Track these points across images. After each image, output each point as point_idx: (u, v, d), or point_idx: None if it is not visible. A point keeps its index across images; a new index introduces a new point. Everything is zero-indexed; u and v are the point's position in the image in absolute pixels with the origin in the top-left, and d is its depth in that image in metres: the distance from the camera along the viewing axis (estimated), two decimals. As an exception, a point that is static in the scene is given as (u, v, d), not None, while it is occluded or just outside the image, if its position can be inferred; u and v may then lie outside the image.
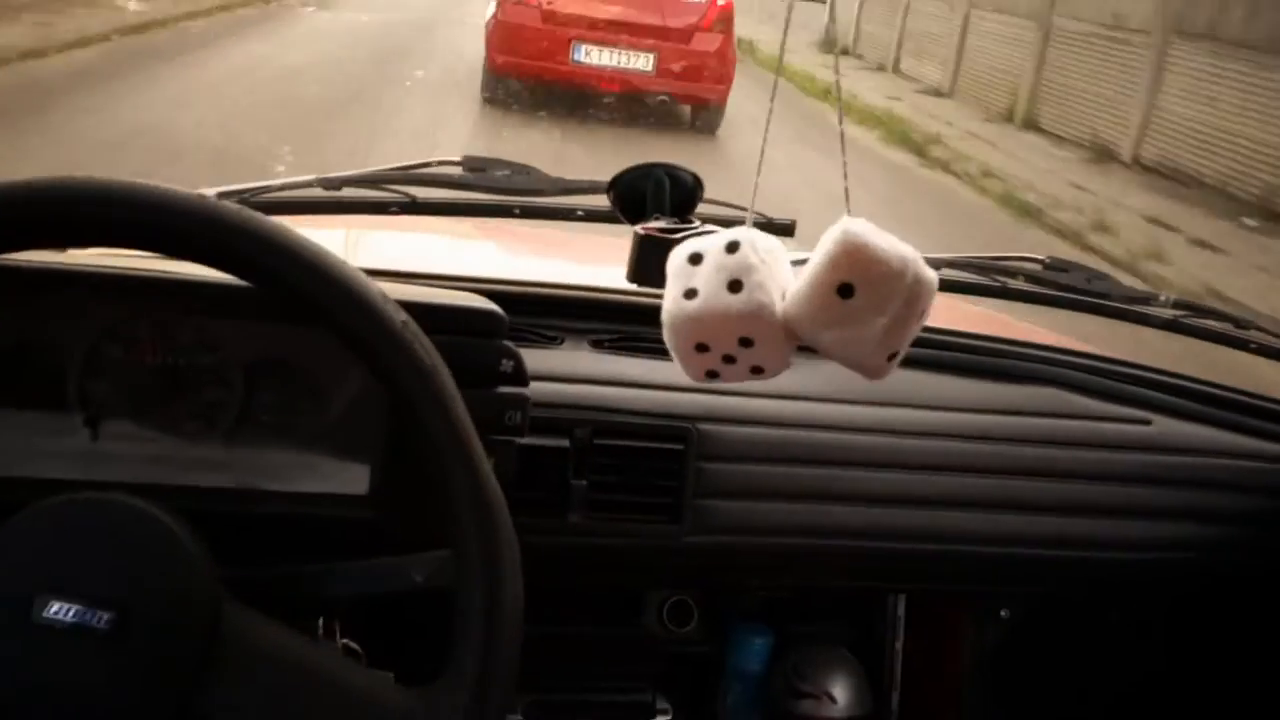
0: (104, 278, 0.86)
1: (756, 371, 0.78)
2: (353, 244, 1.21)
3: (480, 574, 0.70)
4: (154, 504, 0.68)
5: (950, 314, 1.37)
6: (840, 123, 0.79)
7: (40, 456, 0.84)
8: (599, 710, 1.28)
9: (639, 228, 0.94)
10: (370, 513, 0.87)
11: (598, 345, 1.13)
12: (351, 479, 0.88)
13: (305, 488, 0.88)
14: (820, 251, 0.71)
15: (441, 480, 0.70)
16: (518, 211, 1.09)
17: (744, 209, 1.18)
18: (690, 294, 0.74)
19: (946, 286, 1.22)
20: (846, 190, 0.77)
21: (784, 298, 0.74)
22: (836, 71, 0.85)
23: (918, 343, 1.22)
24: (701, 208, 1.07)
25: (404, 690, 0.70)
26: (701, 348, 0.77)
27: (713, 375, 0.79)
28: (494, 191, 1.08)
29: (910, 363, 1.21)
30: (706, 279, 0.73)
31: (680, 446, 1.08)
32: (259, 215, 0.67)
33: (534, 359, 1.06)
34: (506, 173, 1.08)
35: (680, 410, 1.09)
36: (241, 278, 0.68)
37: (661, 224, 0.95)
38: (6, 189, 0.64)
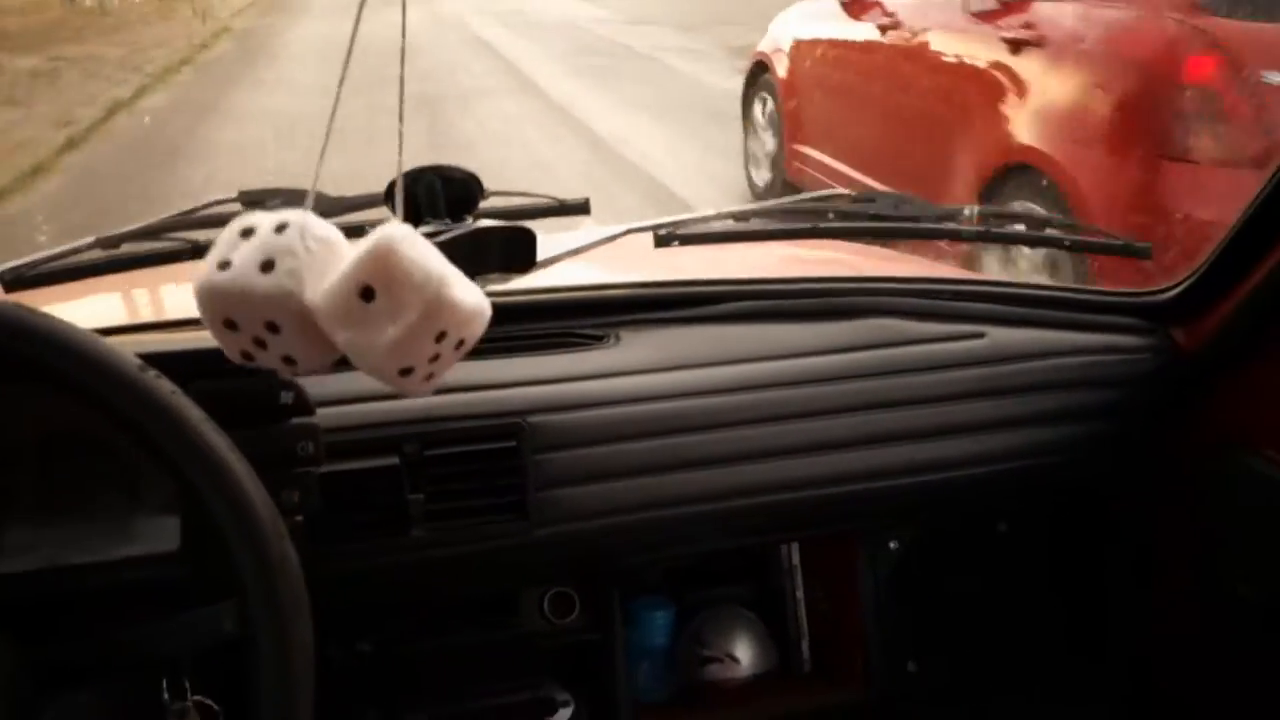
0: None
1: (289, 362, 0.76)
2: (131, 300, 1.19)
3: (266, 618, 0.69)
4: None
5: (785, 262, 1.39)
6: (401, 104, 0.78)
7: None
8: (499, 713, 1.27)
9: None
10: (184, 568, 0.85)
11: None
12: (162, 536, 0.87)
13: (117, 554, 0.86)
14: (356, 250, 0.71)
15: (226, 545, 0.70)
16: None
17: (537, 195, 1.19)
18: (224, 265, 0.72)
19: (759, 236, 1.23)
20: (399, 191, 0.77)
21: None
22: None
23: (737, 295, 1.24)
24: (494, 200, 1.07)
25: None
26: (230, 324, 0.75)
27: (247, 357, 0.76)
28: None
29: (735, 317, 1.22)
30: (243, 254, 0.72)
31: (513, 443, 1.07)
32: (76, 330, 0.68)
33: (352, 381, 1.06)
34: (280, 200, 1.06)
35: (509, 407, 1.08)
36: (56, 386, 0.69)
37: (430, 228, 0.94)
38: None
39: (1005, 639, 1.41)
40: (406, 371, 0.74)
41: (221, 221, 1.12)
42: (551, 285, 1.21)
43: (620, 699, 1.30)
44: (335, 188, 1.08)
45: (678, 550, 1.27)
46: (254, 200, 1.07)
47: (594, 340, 1.19)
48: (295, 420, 0.86)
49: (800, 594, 1.45)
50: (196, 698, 0.93)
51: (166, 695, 0.91)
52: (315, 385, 0.98)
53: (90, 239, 1.05)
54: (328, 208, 1.08)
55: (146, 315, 1.02)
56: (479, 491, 1.06)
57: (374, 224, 1.17)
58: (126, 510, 0.88)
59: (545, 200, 1.19)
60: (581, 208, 1.12)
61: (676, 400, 1.13)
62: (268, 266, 0.71)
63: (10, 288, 1.03)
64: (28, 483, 0.86)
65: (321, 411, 0.93)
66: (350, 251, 0.72)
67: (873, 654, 1.37)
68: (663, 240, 1.17)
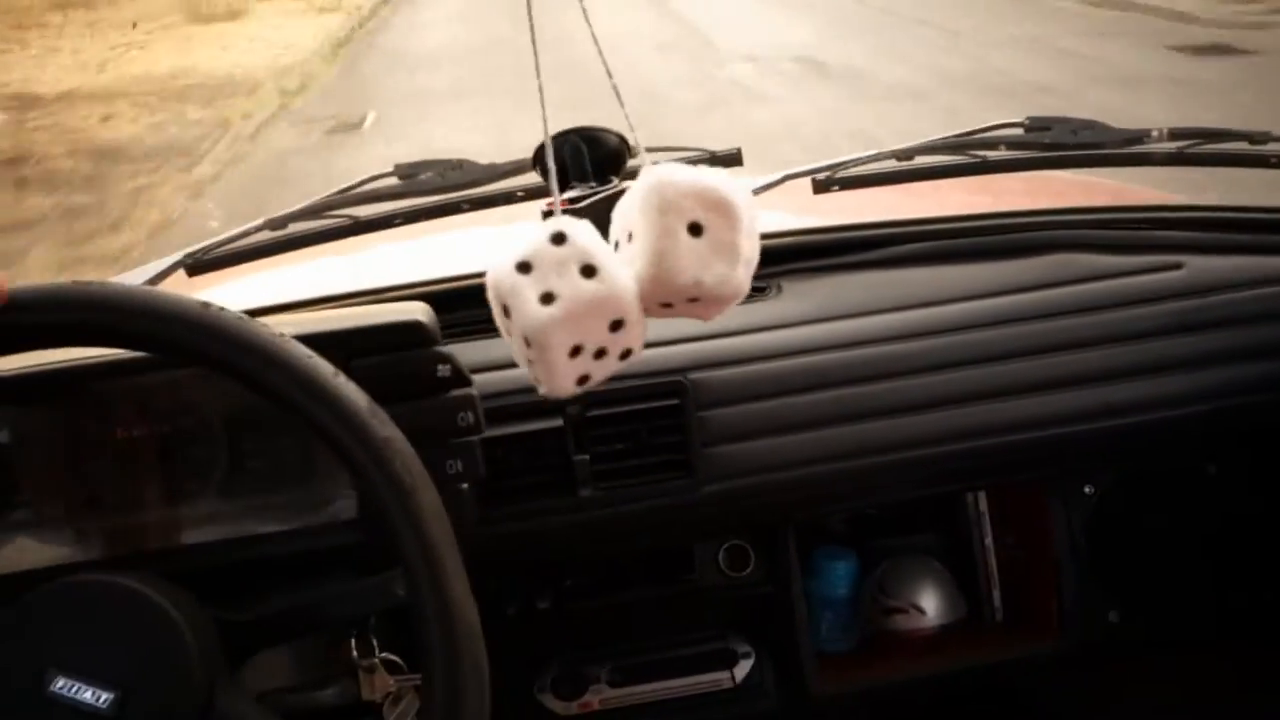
0: (77, 370, 0.91)
1: (625, 355, 0.75)
2: (301, 275, 1.25)
3: (426, 588, 0.71)
4: (153, 581, 0.73)
5: (954, 199, 1.32)
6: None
7: (50, 544, 0.89)
8: (683, 664, 1.29)
9: (544, 204, 0.93)
10: (361, 535, 0.89)
11: None
12: (341, 506, 0.91)
13: (299, 523, 0.91)
14: (646, 207, 0.69)
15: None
16: (466, 206, 1.10)
17: (688, 149, 1.17)
18: (548, 298, 0.70)
19: (924, 174, 1.17)
20: (635, 137, 0.76)
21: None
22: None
23: (905, 238, 1.19)
24: (643, 158, 1.05)
25: None
26: (575, 351, 0.73)
27: (584, 380, 0.75)
28: (431, 193, 1.09)
29: (904, 261, 1.17)
30: (558, 277, 0.69)
31: (676, 401, 1.07)
32: (255, 326, 0.71)
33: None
34: (434, 173, 1.08)
35: (670, 364, 1.08)
36: (240, 383, 0.72)
37: (575, 193, 0.94)
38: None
39: (1215, 588, 1.32)
40: (751, 273, 0.76)
41: (378, 196, 1.16)
42: None
43: (802, 649, 1.29)
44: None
45: (851, 504, 1.24)
46: (408, 174, 1.09)
47: (755, 293, 1.17)
48: (454, 392, 0.88)
49: (989, 542, 1.39)
50: (383, 655, 0.98)
51: (355, 653, 0.97)
52: (478, 352, 1.01)
53: (260, 221, 1.10)
54: (479, 175, 1.10)
55: (313, 291, 1.07)
56: (643, 450, 1.07)
57: (525, 190, 1.18)
58: (308, 481, 0.93)
59: (697, 153, 1.16)
60: (734, 159, 1.09)
61: (844, 350, 1.10)
62: (589, 272, 0.70)
63: (191, 272, 1.10)
64: (218, 458, 0.92)
65: (485, 377, 0.95)
66: (622, 220, 0.73)
67: (1069, 603, 1.30)
68: (821, 185, 1.13)
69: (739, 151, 1.11)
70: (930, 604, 1.37)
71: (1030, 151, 1.16)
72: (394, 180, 1.11)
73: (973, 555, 1.39)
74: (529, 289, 0.70)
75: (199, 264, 1.08)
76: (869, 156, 1.17)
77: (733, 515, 1.13)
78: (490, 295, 0.72)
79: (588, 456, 1.06)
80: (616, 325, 0.73)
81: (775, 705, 1.31)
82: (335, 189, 1.12)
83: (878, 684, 1.33)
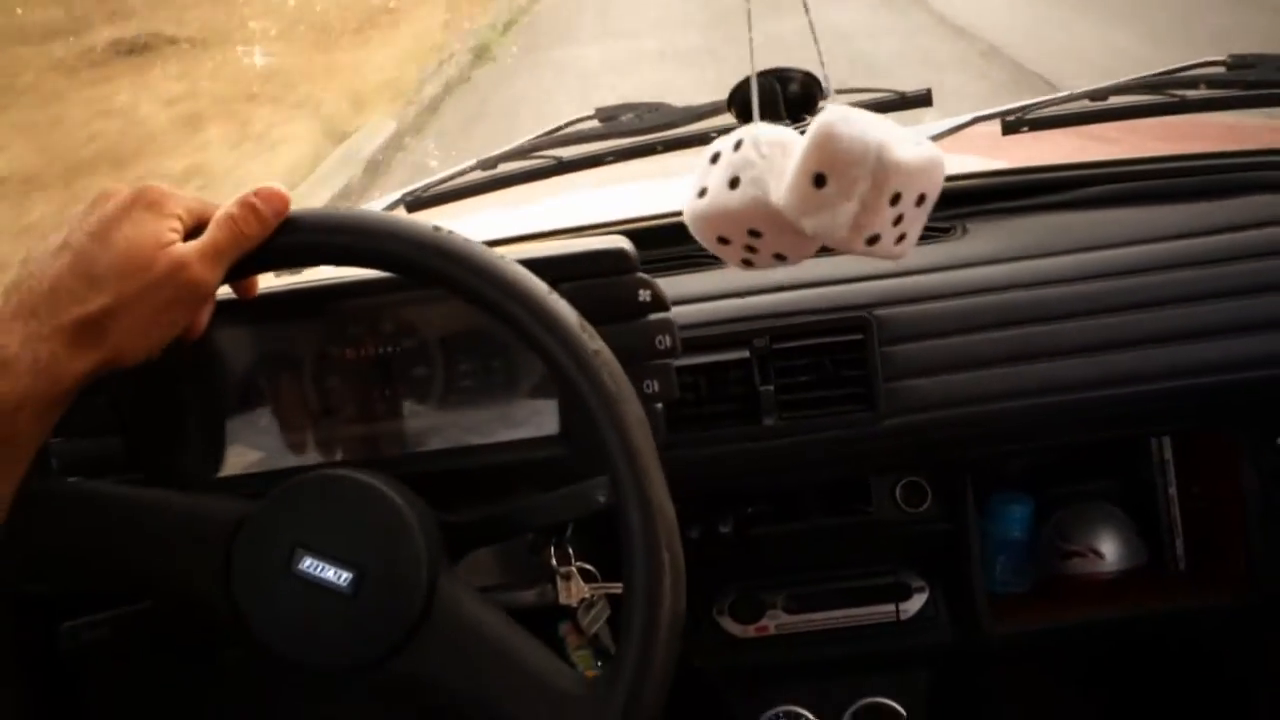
0: (321, 291, 1.01)
1: (780, 258, 0.81)
2: (511, 212, 1.32)
3: (631, 491, 0.76)
4: (388, 481, 0.80)
5: (1149, 140, 1.29)
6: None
7: (291, 449, 1.00)
8: (855, 595, 1.33)
9: None
10: (563, 449, 0.96)
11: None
12: (544, 421, 0.99)
13: (507, 436, 0.99)
14: (801, 143, 0.74)
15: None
16: (660, 148, 1.15)
17: (878, 90, 1.19)
18: (702, 192, 0.78)
19: (1118, 114, 1.16)
20: (824, 72, 0.79)
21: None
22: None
23: (1096, 179, 1.18)
24: (834, 99, 1.08)
25: (578, 679, 0.77)
26: (723, 240, 0.81)
27: (747, 263, 0.83)
28: (630, 134, 1.14)
29: (1095, 203, 1.16)
30: (714, 177, 0.77)
31: (860, 336, 1.10)
32: (479, 247, 0.78)
33: (706, 280, 1.13)
34: (633, 115, 1.14)
35: (855, 300, 1.11)
36: (459, 297, 0.79)
37: (769, 130, 0.98)
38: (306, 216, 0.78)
39: None
40: (873, 240, 0.79)
41: (581, 138, 1.23)
42: None
43: (975, 587, 1.31)
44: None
45: (1032, 443, 1.25)
46: (609, 116, 1.15)
47: (940, 233, 1.19)
48: (653, 316, 0.93)
49: (1173, 491, 1.37)
50: (579, 564, 1.05)
51: (554, 560, 1.05)
52: (672, 287, 1.06)
53: (472, 161, 1.18)
54: (675, 117, 1.15)
55: (521, 228, 1.14)
56: (827, 382, 1.10)
57: (720, 131, 1.23)
58: (514, 399, 1.01)
59: (886, 94, 1.18)
60: (923, 99, 1.11)
61: (1030, 289, 1.10)
62: (734, 183, 0.78)
63: (410, 209, 1.19)
64: (435, 376, 1.01)
65: (678, 310, 1.01)
66: (799, 146, 0.78)
67: (1257, 557, 1.28)
68: (1011, 126, 1.14)
69: (929, 92, 1.12)
70: (1109, 549, 1.37)
71: (1231, 91, 1.13)
72: (595, 123, 1.17)
73: (1155, 503, 1.38)
74: (699, 179, 0.79)
75: (417, 201, 1.17)
76: (1061, 97, 1.16)
77: (912, 449, 1.16)
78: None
79: (773, 387, 1.10)
80: (754, 233, 0.79)
81: (947, 640, 1.34)
82: (541, 131, 1.19)
83: (1052, 626, 1.34)
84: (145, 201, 0.73)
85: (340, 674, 0.78)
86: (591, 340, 0.78)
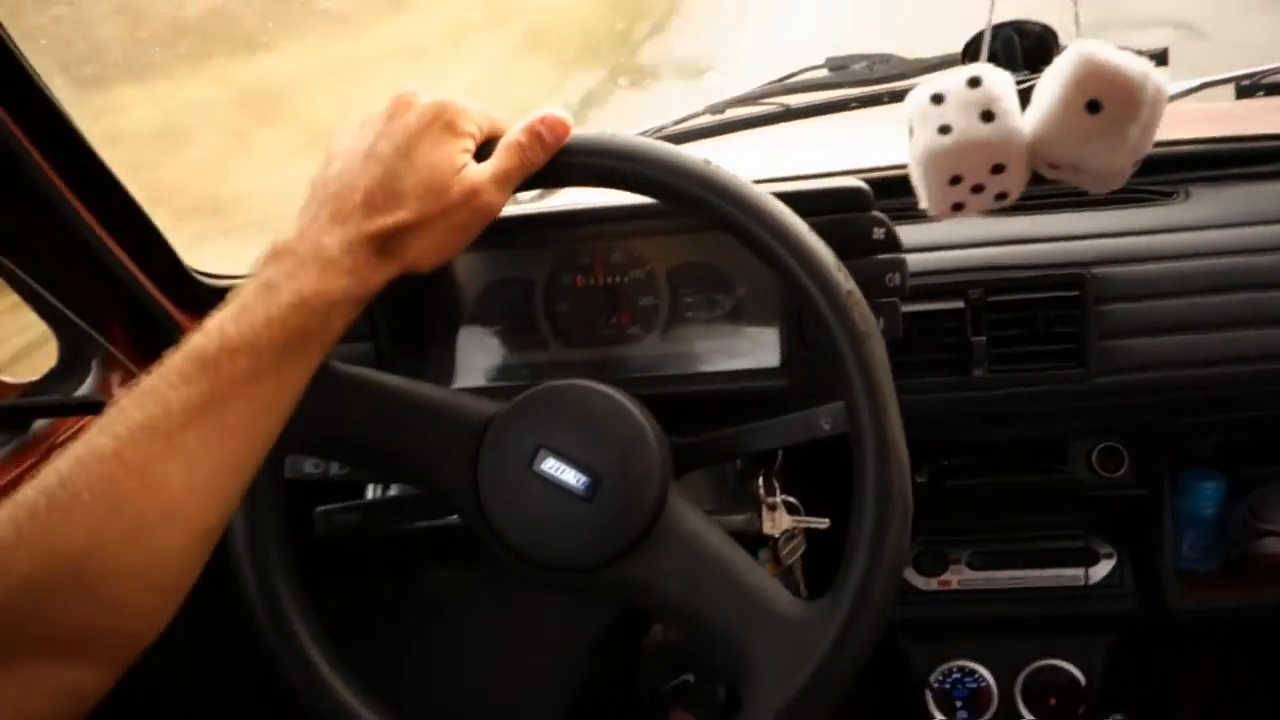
0: (554, 217, 1.06)
1: (1000, 198, 0.82)
2: (744, 156, 1.35)
3: (868, 410, 0.79)
4: (626, 394, 0.85)
5: None
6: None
7: (520, 368, 1.07)
8: (1042, 556, 1.33)
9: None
10: (783, 381, 1.00)
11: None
12: (765, 353, 1.02)
13: (729, 366, 1.03)
14: (1060, 74, 0.75)
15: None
16: (886, 99, 1.17)
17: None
18: (945, 129, 0.79)
19: None
20: (1077, 12, 0.79)
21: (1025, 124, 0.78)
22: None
23: None
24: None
25: (795, 601, 0.80)
26: (955, 180, 0.81)
27: (959, 207, 0.83)
28: (859, 84, 1.16)
29: None
30: (958, 113, 0.78)
31: (1076, 293, 1.10)
32: (745, 182, 0.81)
33: (925, 232, 1.15)
34: (865, 65, 1.16)
35: (1072, 258, 1.11)
36: (733, 235, 0.82)
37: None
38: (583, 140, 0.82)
39: None
40: (1137, 163, 0.81)
41: (810, 86, 1.25)
42: None
43: (1164, 561, 1.30)
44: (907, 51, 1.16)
45: (1238, 413, 1.23)
46: (839, 65, 1.18)
47: (1163, 196, 1.18)
48: (885, 255, 0.95)
49: None
50: (784, 497, 1.09)
51: (762, 490, 1.09)
52: None
53: (703, 107, 1.22)
54: (906, 69, 1.16)
55: (754, 171, 1.18)
56: (1040, 338, 1.11)
57: None
58: (735, 331, 1.05)
59: (1126, 49, 1.17)
60: (1159, 58, 1.10)
61: (1249, 256, 1.09)
62: (988, 117, 0.79)
63: None
64: (662, 305, 1.06)
65: None
66: (1043, 79, 0.80)
67: None
68: (1245, 91, 1.12)
69: (1165, 51, 1.11)
70: (1307, 530, 1.34)
71: None
72: (824, 72, 1.20)
73: None
74: (933, 118, 0.79)
75: (661, 139, 1.22)
76: None
77: (1119, 411, 1.16)
78: (905, 114, 0.81)
79: (985, 339, 1.11)
80: (998, 169, 0.80)
81: (1131, 610, 1.33)
82: (772, 79, 1.22)
83: (1242, 604, 1.32)
84: (444, 120, 0.78)
85: (570, 572, 0.83)
86: (846, 281, 0.80)
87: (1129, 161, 0.80)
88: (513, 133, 0.80)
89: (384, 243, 0.76)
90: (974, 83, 0.79)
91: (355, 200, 0.75)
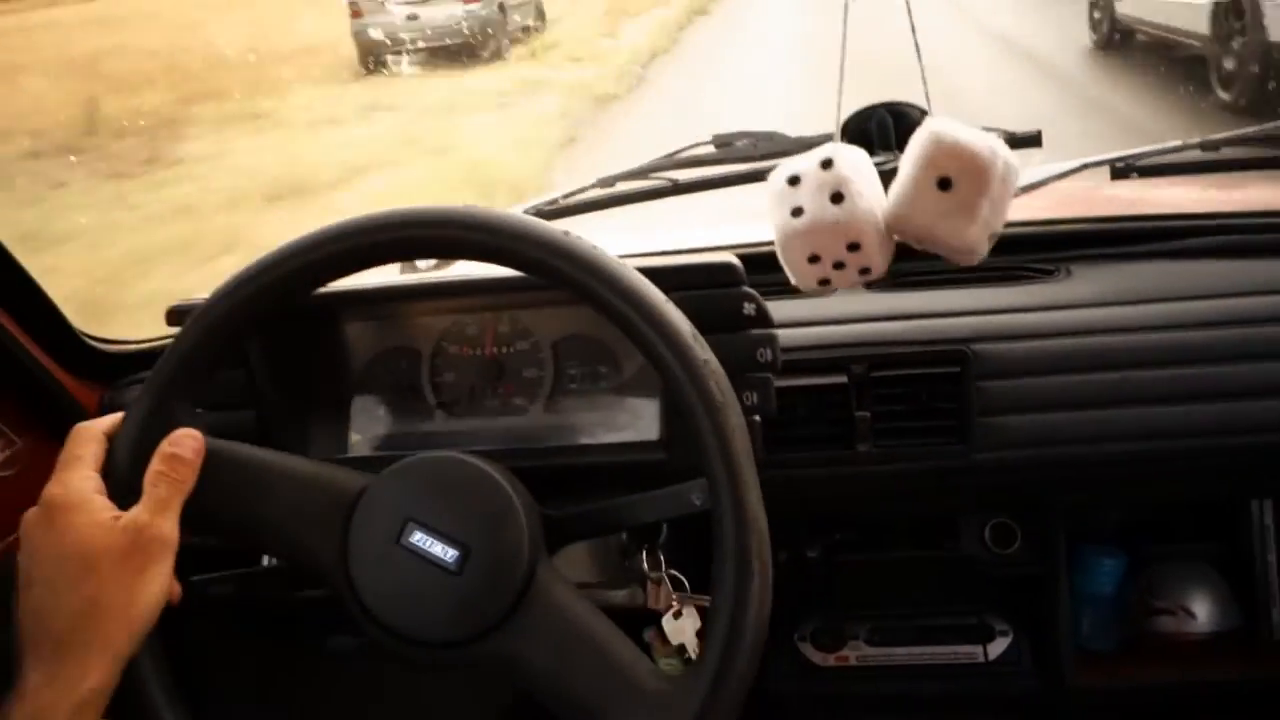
0: (439, 287, 1.06)
1: (864, 272, 0.84)
2: (625, 230, 1.37)
3: (726, 492, 0.78)
4: (499, 469, 0.84)
5: (1232, 194, 1.29)
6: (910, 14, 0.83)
7: (403, 437, 1.06)
8: (939, 633, 1.33)
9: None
10: (663, 454, 1.00)
11: (870, 285, 1.19)
12: (645, 426, 1.02)
13: (610, 439, 1.03)
14: (913, 153, 0.77)
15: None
16: (769, 175, 1.18)
17: (988, 129, 1.21)
18: (797, 211, 0.81)
19: (1229, 166, 1.17)
20: (926, 90, 0.82)
21: (880, 202, 0.79)
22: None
23: (1204, 230, 1.18)
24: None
25: (658, 675, 0.79)
26: (813, 259, 0.84)
27: (825, 283, 0.85)
28: (743, 161, 1.18)
29: (1201, 253, 1.17)
30: (810, 196, 0.80)
31: (957, 369, 1.12)
32: (603, 253, 0.82)
33: (808, 306, 1.16)
34: (750, 142, 1.18)
35: (954, 334, 1.13)
36: (581, 299, 0.82)
37: (880, 160, 1.01)
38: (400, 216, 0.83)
39: None
40: (992, 236, 0.83)
41: (697, 162, 1.27)
42: None
43: (1061, 639, 1.29)
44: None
45: (1125, 492, 1.24)
46: (724, 143, 1.20)
47: (1044, 274, 1.20)
48: (756, 330, 0.96)
49: (1272, 557, 1.35)
50: (670, 572, 1.08)
51: (645, 565, 1.07)
52: (774, 310, 1.09)
53: (593, 180, 1.23)
54: (788, 146, 1.19)
55: (636, 245, 1.19)
56: (922, 413, 1.12)
57: None
58: (617, 404, 1.04)
59: (995, 133, 1.20)
60: (1033, 140, 1.13)
61: (1129, 334, 1.11)
62: (837, 198, 0.82)
63: None
64: (545, 377, 1.05)
65: (778, 332, 1.04)
66: (872, 165, 0.82)
67: None
68: (1119, 173, 1.15)
69: (1038, 134, 1.14)
70: (1201, 609, 1.35)
71: None
72: (711, 148, 1.22)
73: (1253, 568, 1.35)
74: (789, 199, 0.83)
75: (540, 214, 1.23)
76: (1172, 147, 1.17)
77: (1003, 487, 1.16)
78: (766, 193, 0.83)
79: (868, 414, 1.12)
80: (854, 246, 0.82)
81: (1029, 689, 1.32)
82: (659, 155, 1.24)
83: (1139, 684, 1.32)
84: (57, 505, 0.79)
85: (436, 647, 0.81)
86: (702, 350, 0.81)
87: (982, 237, 0.82)
88: (152, 465, 0.82)
89: (86, 672, 0.76)
90: (826, 164, 0.81)
91: (45, 653, 0.76)
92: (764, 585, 0.78)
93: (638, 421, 1.03)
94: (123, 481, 0.82)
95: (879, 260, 0.86)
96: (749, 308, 0.96)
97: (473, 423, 1.06)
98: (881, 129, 1.05)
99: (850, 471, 1.13)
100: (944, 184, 0.78)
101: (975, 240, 0.82)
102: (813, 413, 1.13)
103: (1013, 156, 0.80)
